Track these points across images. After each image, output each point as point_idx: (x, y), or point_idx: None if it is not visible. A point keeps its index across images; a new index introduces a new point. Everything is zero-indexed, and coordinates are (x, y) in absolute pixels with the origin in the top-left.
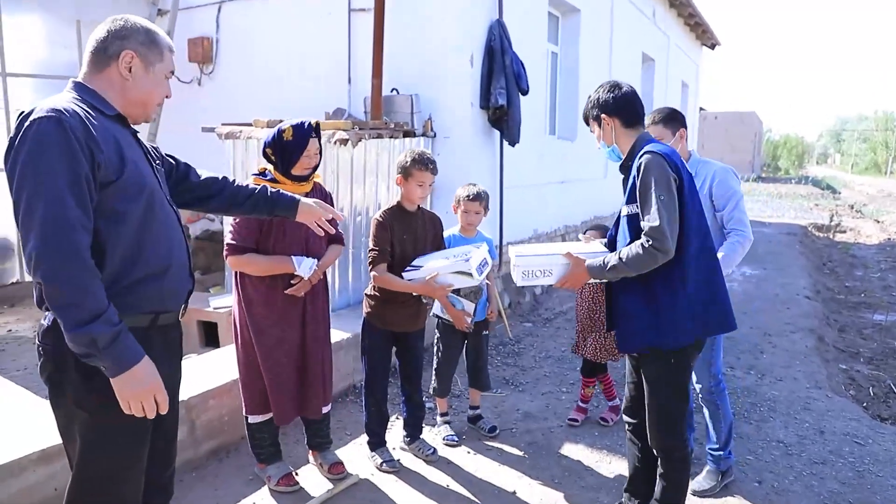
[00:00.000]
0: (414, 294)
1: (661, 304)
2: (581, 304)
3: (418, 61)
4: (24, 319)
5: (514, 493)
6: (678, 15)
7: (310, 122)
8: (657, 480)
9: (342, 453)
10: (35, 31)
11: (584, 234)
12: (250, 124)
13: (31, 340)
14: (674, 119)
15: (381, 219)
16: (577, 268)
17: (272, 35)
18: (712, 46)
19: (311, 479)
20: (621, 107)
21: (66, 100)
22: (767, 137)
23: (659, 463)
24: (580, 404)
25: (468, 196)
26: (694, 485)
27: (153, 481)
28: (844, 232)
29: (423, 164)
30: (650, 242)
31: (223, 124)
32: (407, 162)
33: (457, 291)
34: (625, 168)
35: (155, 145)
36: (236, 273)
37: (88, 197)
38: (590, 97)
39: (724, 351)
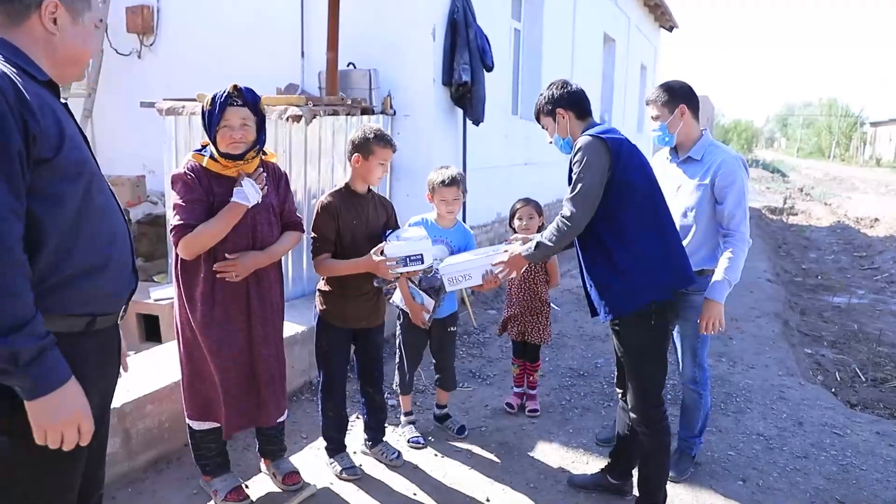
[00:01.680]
0: (375, 285)
1: (620, 272)
2: (511, 296)
3: (377, 34)
4: None
5: (488, 500)
6: None
7: (228, 90)
8: (639, 468)
9: (298, 460)
10: None
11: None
12: (194, 99)
13: None
14: (672, 96)
15: (325, 204)
16: (515, 257)
17: (219, 4)
18: (670, 29)
19: (263, 490)
20: (575, 101)
21: None
22: (718, 121)
23: (643, 442)
24: (516, 389)
25: (443, 181)
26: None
27: None
28: (797, 214)
29: (385, 140)
30: (562, 216)
31: (164, 99)
32: (369, 137)
33: (419, 284)
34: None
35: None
36: (175, 263)
37: (21, 176)
38: (542, 95)
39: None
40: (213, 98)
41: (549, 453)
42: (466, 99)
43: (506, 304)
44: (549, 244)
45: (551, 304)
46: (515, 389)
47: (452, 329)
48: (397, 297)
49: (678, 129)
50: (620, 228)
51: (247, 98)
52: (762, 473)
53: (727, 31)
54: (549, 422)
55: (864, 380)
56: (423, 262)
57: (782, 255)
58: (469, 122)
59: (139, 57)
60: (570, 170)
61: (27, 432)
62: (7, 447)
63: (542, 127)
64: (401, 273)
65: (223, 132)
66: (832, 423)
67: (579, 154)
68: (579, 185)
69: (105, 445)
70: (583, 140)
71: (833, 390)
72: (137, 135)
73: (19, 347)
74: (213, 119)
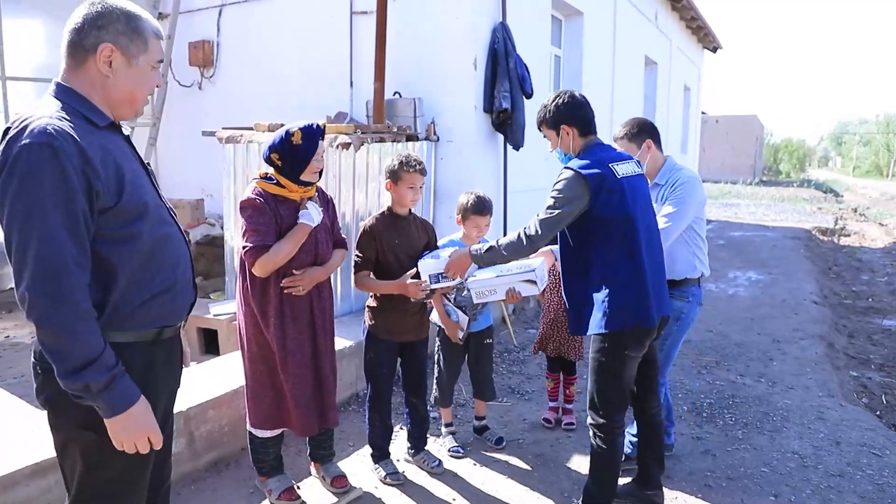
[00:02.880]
0: (413, 300)
1: (593, 295)
2: (547, 314)
3: (421, 65)
4: (23, 325)
5: None
6: (680, 18)
7: (318, 124)
8: (589, 473)
9: (345, 465)
10: (35, 34)
11: None
12: (251, 128)
13: (29, 347)
14: (640, 132)
15: (367, 227)
16: (463, 255)
17: (273, 38)
18: (714, 50)
19: (314, 492)
20: (580, 117)
21: (53, 113)
22: (768, 141)
23: (594, 449)
24: (550, 404)
25: (475, 209)
26: None
27: (148, 502)
28: (849, 235)
29: (410, 165)
30: (526, 230)
31: (224, 128)
32: (395, 166)
33: (454, 301)
34: None
35: None
36: (243, 281)
37: (85, 231)
38: (546, 105)
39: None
40: (306, 134)
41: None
42: (507, 125)
43: (541, 321)
44: (503, 253)
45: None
46: (551, 403)
47: (488, 342)
48: (434, 315)
49: (646, 162)
50: (597, 257)
51: (323, 133)
52: (795, 490)
53: (776, 48)
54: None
55: None
56: (453, 280)
57: (832, 276)
58: (509, 147)
59: (200, 88)
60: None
61: (102, 427)
62: (91, 443)
63: (544, 135)
64: (434, 289)
65: (313, 164)
66: (871, 443)
67: (561, 185)
68: (552, 214)
69: (171, 442)
70: (567, 173)
71: (878, 413)
72: (197, 161)
73: (91, 381)
74: (306, 152)
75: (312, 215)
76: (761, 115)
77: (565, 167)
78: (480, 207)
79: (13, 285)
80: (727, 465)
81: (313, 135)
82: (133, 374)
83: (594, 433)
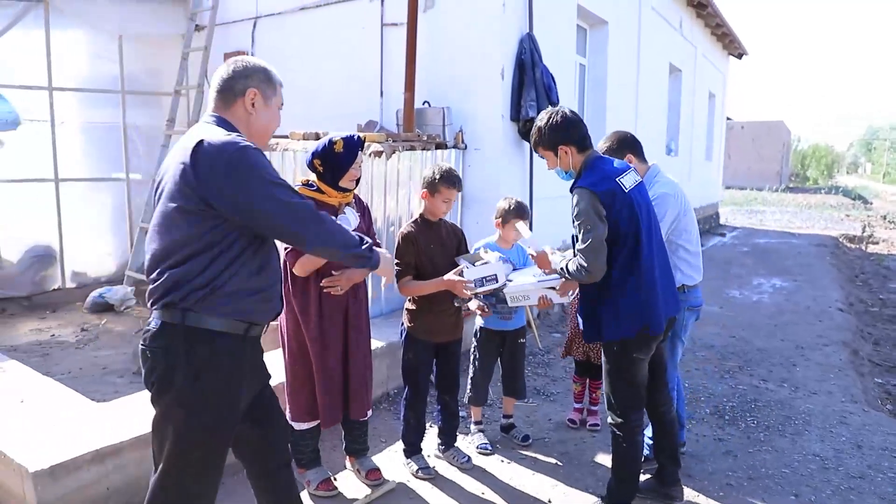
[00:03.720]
0: (455, 304)
1: (602, 306)
2: (574, 319)
3: (450, 75)
4: (67, 325)
5: (549, 501)
6: (705, 25)
7: (359, 136)
8: (612, 470)
9: (378, 460)
10: (79, 46)
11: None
12: (286, 136)
13: (74, 346)
14: (620, 147)
15: (405, 234)
16: (545, 258)
17: (306, 49)
18: (739, 56)
19: (349, 484)
20: (575, 136)
21: (235, 135)
22: (795, 147)
23: (616, 447)
24: (575, 405)
25: (516, 214)
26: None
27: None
28: (877, 243)
29: (450, 181)
30: (580, 261)
31: None
32: (435, 178)
33: (490, 299)
34: (573, 189)
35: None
36: (284, 282)
37: None
38: (541, 127)
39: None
40: (347, 144)
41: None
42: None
43: (569, 326)
44: (568, 276)
45: None
46: (576, 405)
47: (522, 341)
48: (479, 319)
49: None
50: (608, 268)
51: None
52: (815, 490)
53: (804, 53)
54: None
55: None
56: (497, 282)
57: (858, 284)
58: (535, 155)
59: None
60: (573, 215)
61: (199, 408)
62: (184, 420)
63: (540, 156)
64: (478, 292)
65: (351, 171)
66: (893, 447)
67: (580, 207)
68: (589, 240)
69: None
70: (580, 193)
71: None
72: None
73: (364, 253)
74: (346, 160)
75: (350, 220)
76: (788, 121)
77: (578, 188)
78: (520, 212)
79: (56, 285)
80: (748, 466)
81: (354, 145)
82: (224, 361)
83: (614, 432)
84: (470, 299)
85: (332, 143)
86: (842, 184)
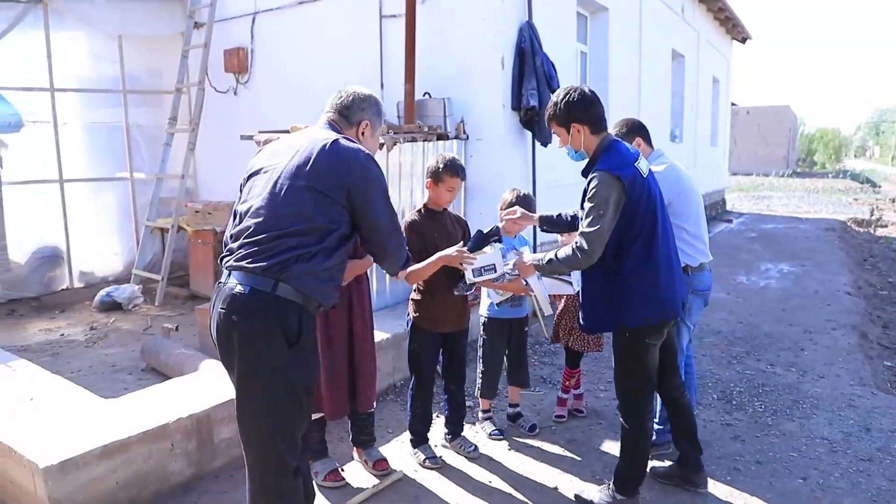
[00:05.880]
0: (455, 293)
1: (611, 293)
2: (563, 306)
3: (450, 65)
4: (76, 324)
5: (556, 488)
6: (707, 10)
7: None
8: (620, 458)
9: (385, 450)
10: (80, 46)
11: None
12: (287, 131)
13: (83, 344)
14: (630, 132)
15: (409, 222)
16: (525, 265)
17: (305, 43)
18: (743, 40)
19: (356, 474)
20: (591, 116)
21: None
22: (802, 131)
23: (623, 435)
24: (561, 396)
25: (522, 207)
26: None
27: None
28: (886, 226)
29: (454, 170)
30: (579, 245)
31: (260, 132)
32: (439, 167)
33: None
34: (586, 171)
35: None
36: None
37: None
38: (556, 102)
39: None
40: None
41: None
42: (534, 122)
43: (557, 313)
44: (561, 265)
45: None
46: (562, 395)
47: (526, 329)
48: (484, 308)
49: None
50: (622, 255)
51: None
52: (823, 473)
53: (809, 36)
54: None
55: None
56: (495, 272)
57: (867, 268)
58: (537, 144)
59: (235, 94)
60: (584, 194)
61: (290, 371)
62: (263, 399)
63: (553, 132)
64: (476, 282)
65: None
66: None
67: (596, 189)
68: (596, 226)
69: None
70: (601, 176)
71: None
72: (233, 164)
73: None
74: None
75: None
76: (795, 105)
77: (599, 170)
78: (527, 206)
79: (64, 286)
80: (756, 450)
81: None
82: (309, 330)
83: (623, 419)
84: (468, 291)
85: None
86: (849, 167)
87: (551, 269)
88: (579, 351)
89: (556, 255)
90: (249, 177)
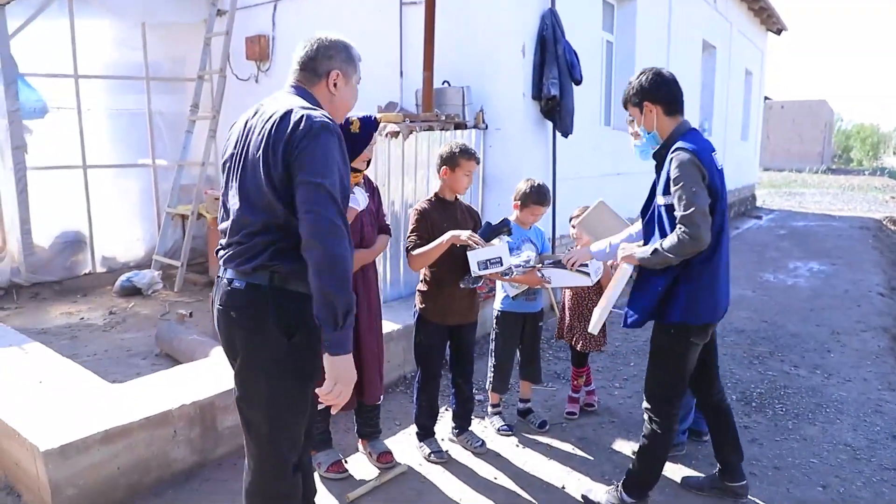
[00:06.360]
0: (461, 286)
1: (677, 287)
2: (565, 303)
3: (469, 53)
4: (96, 308)
5: (563, 487)
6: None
7: (375, 118)
8: (637, 455)
9: (391, 443)
10: (103, 34)
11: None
12: None
13: (101, 329)
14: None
15: (420, 209)
16: (629, 256)
17: (326, 31)
18: (778, 32)
19: (360, 466)
20: (665, 95)
21: (321, 112)
22: (838, 127)
23: (647, 433)
24: (572, 395)
25: (535, 199)
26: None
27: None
28: None
29: (469, 153)
30: (683, 230)
31: None
32: (455, 151)
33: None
34: (659, 156)
35: None
36: None
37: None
38: (631, 82)
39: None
40: (364, 124)
41: (626, 449)
42: (555, 112)
43: (559, 311)
44: (668, 255)
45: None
46: (573, 395)
47: (541, 324)
48: (499, 302)
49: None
50: None
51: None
52: (845, 482)
53: (847, 28)
54: (630, 423)
55: None
56: (501, 265)
57: None
58: (558, 135)
59: (256, 81)
60: (668, 179)
61: (279, 389)
62: (267, 399)
63: (629, 115)
64: (483, 275)
65: (366, 152)
66: None
67: (682, 171)
68: (693, 205)
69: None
70: (682, 156)
71: None
72: None
73: (351, 308)
74: (363, 142)
75: (359, 200)
76: (831, 100)
77: (680, 149)
78: (540, 198)
79: (87, 270)
80: (774, 455)
81: (370, 126)
82: (311, 319)
83: (650, 418)
84: (475, 284)
85: (348, 122)
86: (888, 165)
87: (658, 260)
88: (582, 351)
89: (660, 244)
90: (225, 162)
